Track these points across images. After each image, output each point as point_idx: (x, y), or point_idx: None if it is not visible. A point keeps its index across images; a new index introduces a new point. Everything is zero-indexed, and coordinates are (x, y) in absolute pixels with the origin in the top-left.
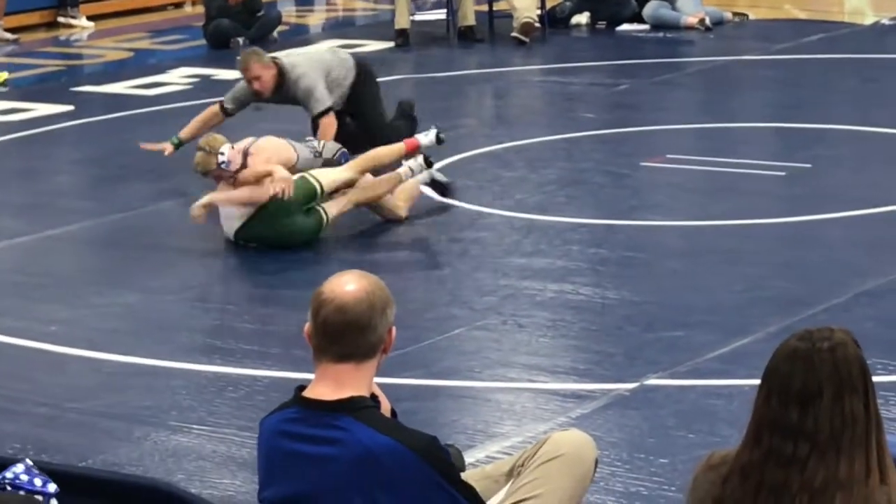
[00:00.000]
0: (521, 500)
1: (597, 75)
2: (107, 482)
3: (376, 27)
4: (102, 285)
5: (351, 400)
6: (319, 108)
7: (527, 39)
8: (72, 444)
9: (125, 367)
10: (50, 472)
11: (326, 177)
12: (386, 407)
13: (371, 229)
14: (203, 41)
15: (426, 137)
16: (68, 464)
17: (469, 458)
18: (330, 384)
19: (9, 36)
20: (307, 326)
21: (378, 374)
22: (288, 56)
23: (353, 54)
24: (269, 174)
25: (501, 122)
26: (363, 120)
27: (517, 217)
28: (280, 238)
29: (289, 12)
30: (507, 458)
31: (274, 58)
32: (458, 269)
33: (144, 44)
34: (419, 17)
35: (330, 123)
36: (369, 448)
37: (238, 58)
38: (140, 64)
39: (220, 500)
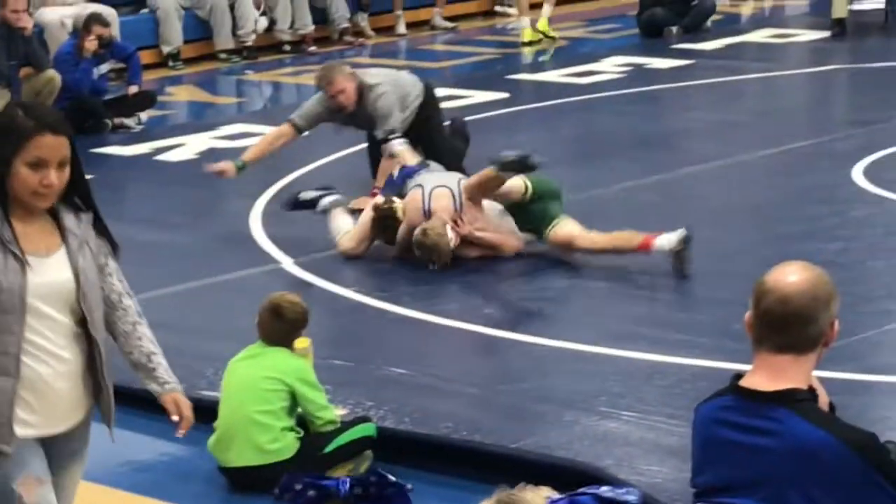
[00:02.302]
0: None
1: None
2: (537, 465)
3: (810, 17)
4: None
5: (788, 392)
6: (389, 130)
7: None
8: (503, 427)
9: (554, 352)
10: (482, 453)
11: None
12: (824, 401)
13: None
14: (636, 30)
15: (668, 240)
16: (500, 444)
17: None
18: (767, 374)
19: (447, 24)
20: (748, 315)
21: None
22: (365, 73)
23: (421, 78)
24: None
25: None
26: (428, 142)
27: None
28: None
29: (722, 3)
30: None
31: (352, 72)
32: (894, 263)
33: (579, 32)
34: (857, 6)
35: (394, 145)
36: (805, 441)
37: (318, 73)
38: (574, 52)
39: (647, 487)
